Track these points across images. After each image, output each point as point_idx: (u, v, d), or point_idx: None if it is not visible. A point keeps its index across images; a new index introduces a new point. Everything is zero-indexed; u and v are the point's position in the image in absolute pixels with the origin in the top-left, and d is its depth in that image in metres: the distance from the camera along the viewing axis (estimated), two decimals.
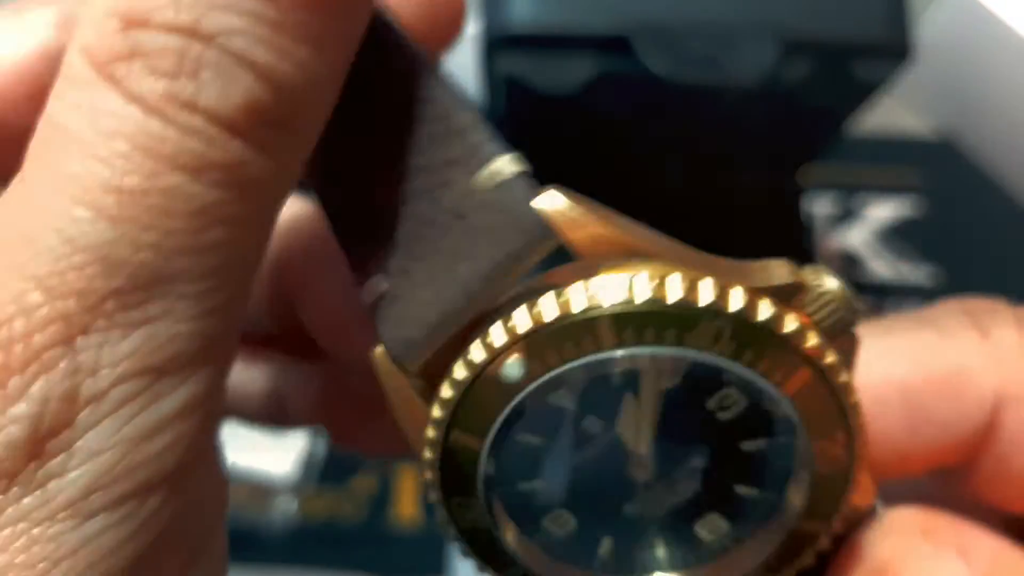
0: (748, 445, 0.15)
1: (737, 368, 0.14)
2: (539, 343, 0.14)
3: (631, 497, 0.16)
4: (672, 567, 0.17)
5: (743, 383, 0.15)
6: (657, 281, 0.14)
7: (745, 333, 0.14)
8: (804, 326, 0.14)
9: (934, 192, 0.54)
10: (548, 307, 0.14)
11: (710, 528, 0.17)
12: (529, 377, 0.14)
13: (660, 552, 0.17)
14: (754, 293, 0.14)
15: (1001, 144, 0.52)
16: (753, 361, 0.14)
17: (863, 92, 0.54)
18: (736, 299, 0.14)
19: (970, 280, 0.51)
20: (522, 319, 0.14)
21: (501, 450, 0.15)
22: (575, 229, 0.14)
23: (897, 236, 0.52)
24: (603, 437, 0.16)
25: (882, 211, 0.53)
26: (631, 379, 0.15)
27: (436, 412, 0.15)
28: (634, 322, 0.14)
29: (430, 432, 0.15)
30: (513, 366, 0.14)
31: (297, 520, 0.45)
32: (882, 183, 0.54)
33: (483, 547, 0.16)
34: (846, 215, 0.53)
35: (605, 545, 0.17)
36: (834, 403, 0.14)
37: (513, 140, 0.16)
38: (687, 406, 0.15)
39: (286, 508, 0.45)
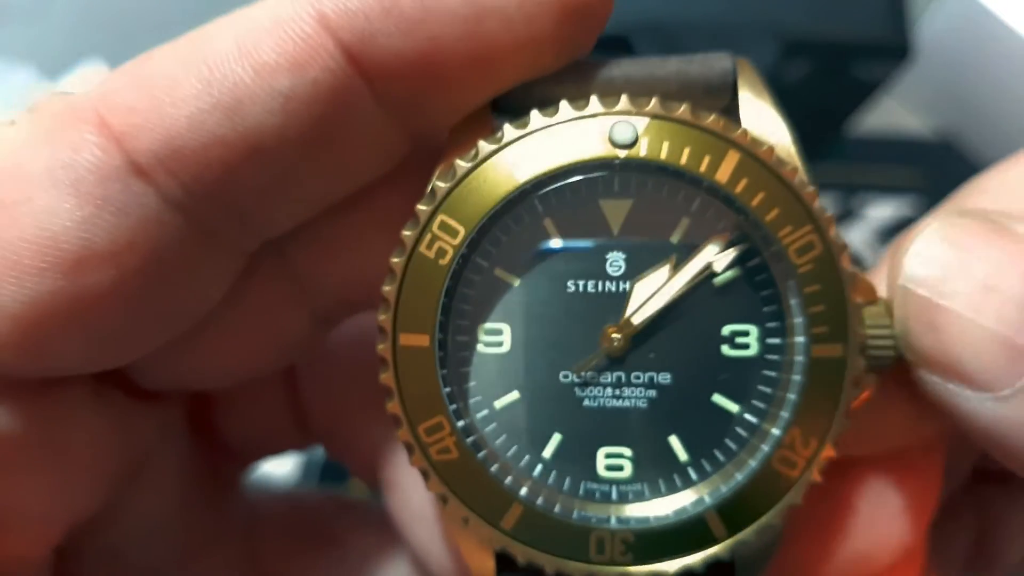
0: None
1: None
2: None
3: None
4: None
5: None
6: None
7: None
8: None
9: (934, 192, 0.54)
10: None
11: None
12: None
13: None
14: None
15: (1001, 144, 0.53)
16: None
17: (863, 91, 0.54)
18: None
19: None
20: None
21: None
22: None
23: (897, 235, 0.52)
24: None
25: (882, 211, 0.53)
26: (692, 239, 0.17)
27: None
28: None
29: None
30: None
31: None
32: (882, 183, 0.54)
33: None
34: (846, 214, 0.53)
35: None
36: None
37: None
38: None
39: None
